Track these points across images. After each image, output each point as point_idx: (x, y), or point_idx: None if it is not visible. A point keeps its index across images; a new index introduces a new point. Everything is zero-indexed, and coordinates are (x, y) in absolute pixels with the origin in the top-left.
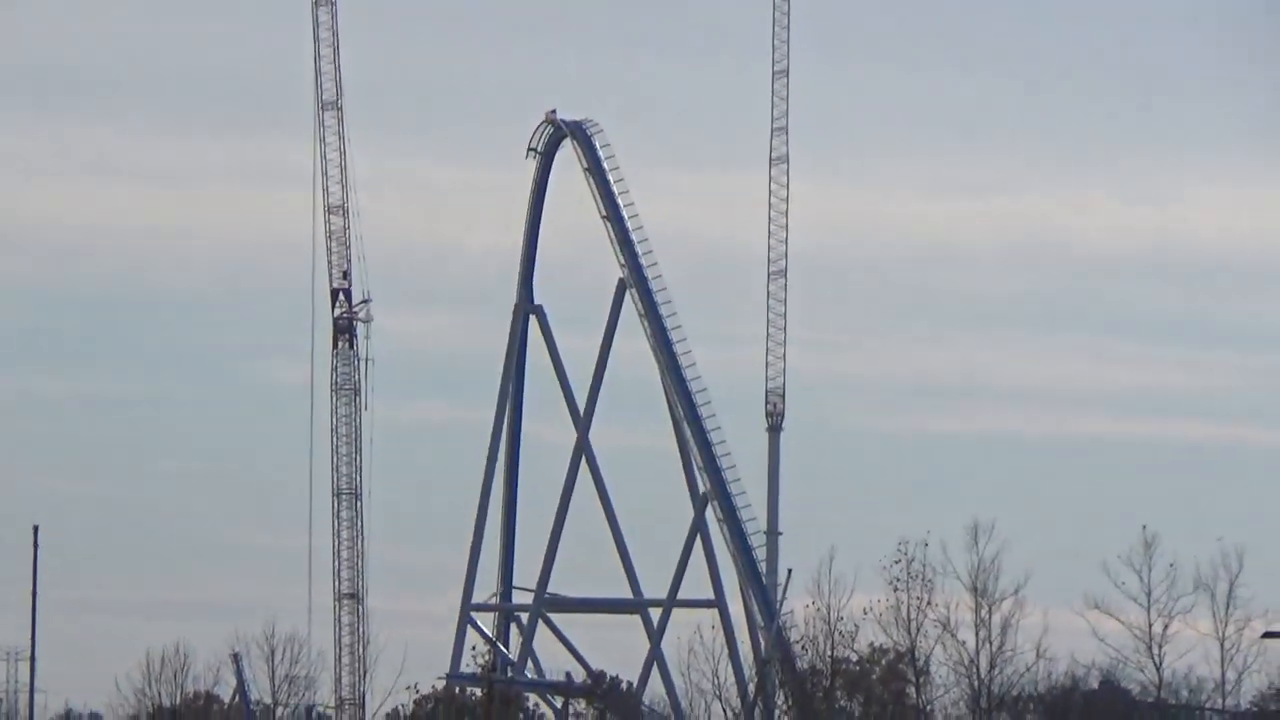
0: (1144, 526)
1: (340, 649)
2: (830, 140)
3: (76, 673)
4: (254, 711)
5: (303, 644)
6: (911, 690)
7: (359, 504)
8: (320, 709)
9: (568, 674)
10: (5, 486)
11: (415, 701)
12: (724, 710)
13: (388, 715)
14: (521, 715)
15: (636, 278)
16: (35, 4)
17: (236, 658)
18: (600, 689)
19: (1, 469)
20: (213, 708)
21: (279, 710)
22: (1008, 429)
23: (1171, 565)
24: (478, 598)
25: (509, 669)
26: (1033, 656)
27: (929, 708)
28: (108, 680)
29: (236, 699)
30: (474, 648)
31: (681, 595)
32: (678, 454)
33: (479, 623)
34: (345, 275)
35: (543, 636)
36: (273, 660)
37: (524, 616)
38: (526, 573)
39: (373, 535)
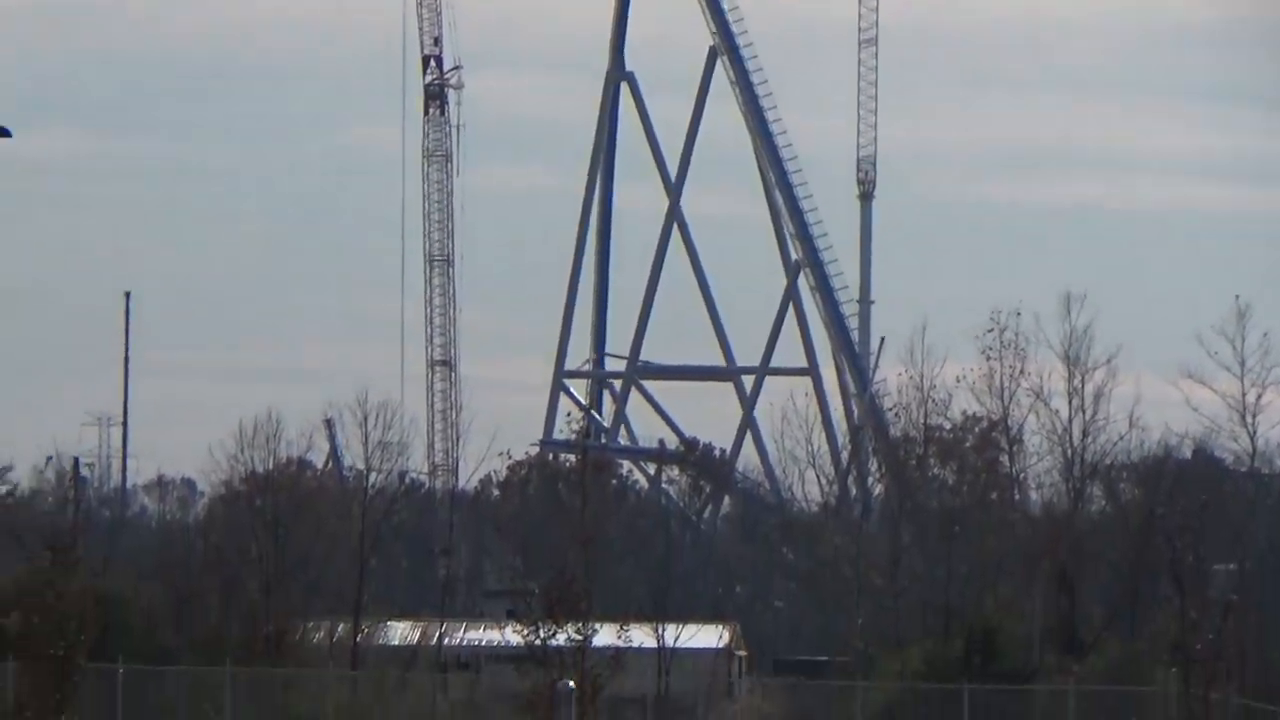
0: (1237, 297)
1: (433, 415)
2: None
3: (169, 439)
4: (347, 477)
5: (395, 411)
6: (1004, 459)
7: (451, 270)
8: (414, 475)
9: (661, 441)
10: (97, 252)
11: (509, 468)
12: (818, 477)
13: (481, 481)
14: (615, 481)
15: (727, 45)
16: None
17: (329, 424)
18: (693, 455)
19: (93, 234)
20: (305, 474)
21: (372, 476)
22: (1100, 198)
23: (1265, 335)
24: (571, 365)
25: (602, 435)
26: (1126, 426)
27: (1021, 476)
28: (200, 447)
29: (329, 465)
30: (568, 414)
31: (774, 363)
32: (769, 222)
33: (572, 390)
34: (436, 42)
35: (636, 403)
36: (365, 426)
37: (617, 384)
38: (619, 340)
39: (465, 301)
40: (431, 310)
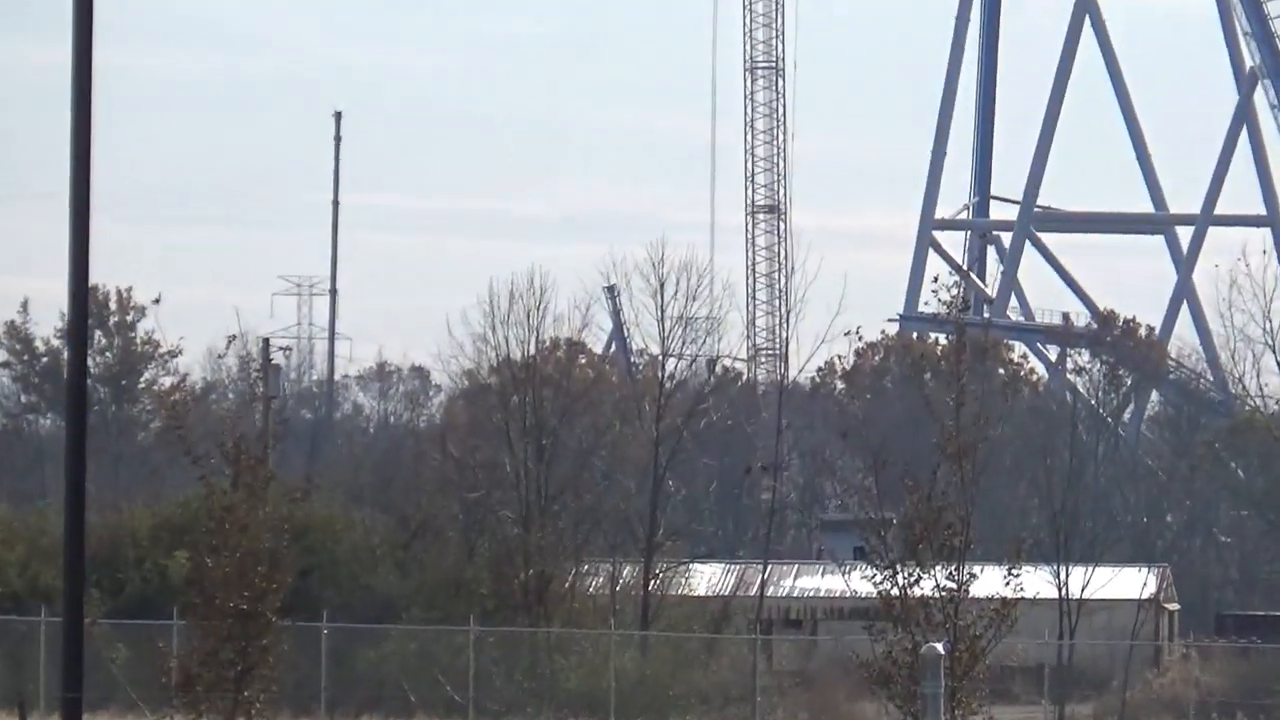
0: None
1: (754, 281)
2: None
3: (391, 314)
4: (635, 365)
5: (703, 274)
6: None
7: (779, 82)
8: (728, 362)
9: (1065, 315)
10: (315, 62)
11: (856, 352)
12: (1279, 364)
13: (819, 371)
14: (1002, 371)
15: None
16: None
17: (611, 292)
18: (1109, 335)
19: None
20: (577, 359)
21: (670, 364)
22: None
23: None
24: (943, 212)
25: (985, 308)
26: None
27: None
28: (434, 323)
29: (611, 349)
30: (935, 279)
31: (1219, 210)
32: (1216, 19)
33: (943, 246)
34: None
35: (1030, 264)
36: (661, 296)
37: (1005, 237)
38: (1009, 178)
39: (798, 128)
40: (752, 137)
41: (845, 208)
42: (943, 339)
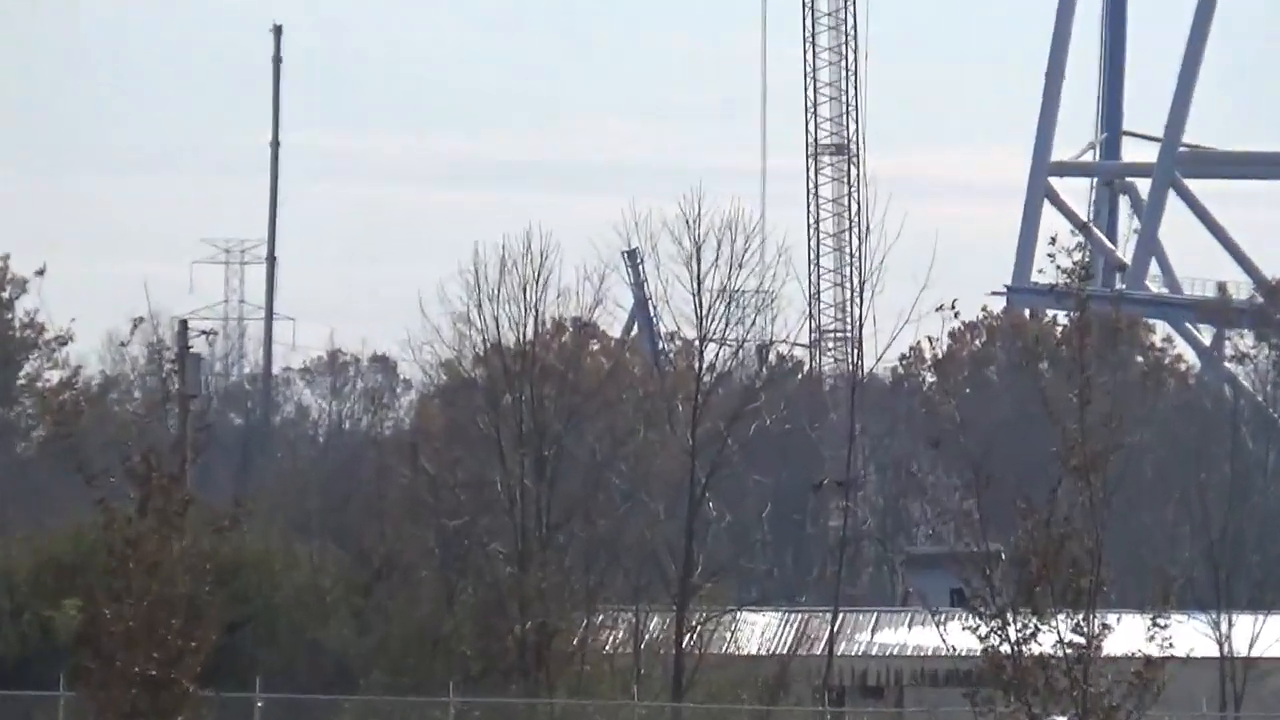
0: None
1: (818, 241)
2: None
3: (342, 288)
4: (664, 352)
5: (751, 234)
6: None
7: None
8: (784, 348)
9: (1220, 286)
10: None
11: (951, 335)
12: None
13: (902, 358)
14: (1141, 358)
15: None
16: None
17: (633, 258)
18: (1279, 311)
19: None
20: (588, 345)
21: (709, 351)
22: None
23: None
24: (1061, 155)
25: (1116, 277)
26: None
27: None
28: (401, 299)
29: (633, 331)
30: (1052, 240)
31: None
32: None
33: (1061, 197)
34: None
35: (1175, 219)
36: (697, 264)
37: (1142, 185)
38: (1144, 111)
39: (872, 44)
40: (814, 56)
41: (934, 149)
42: (1062, 317)
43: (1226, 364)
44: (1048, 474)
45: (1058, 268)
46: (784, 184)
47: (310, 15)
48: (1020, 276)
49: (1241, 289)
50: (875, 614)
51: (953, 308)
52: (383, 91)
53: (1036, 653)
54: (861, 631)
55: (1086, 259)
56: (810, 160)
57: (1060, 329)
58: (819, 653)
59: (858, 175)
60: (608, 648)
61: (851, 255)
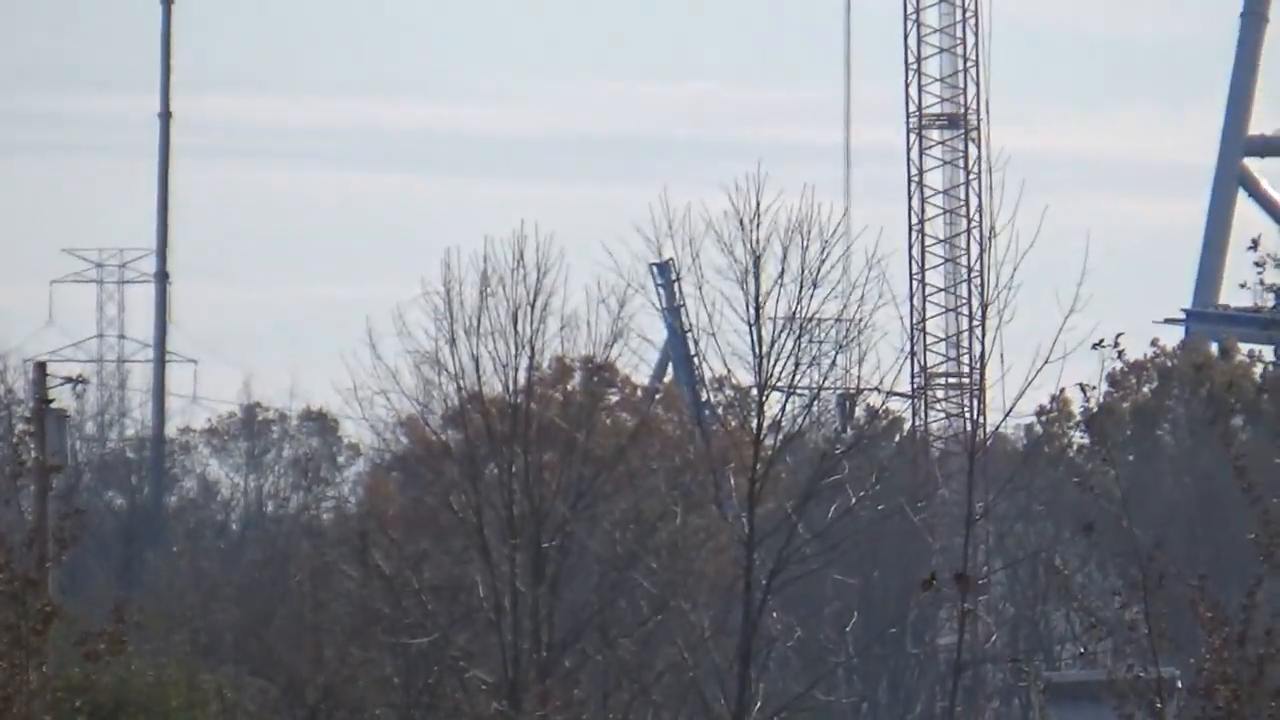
0: None
1: (922, 250)
2: None
3: (263, 309)
4: (708, 403)
5: (831, 240)
6: None
7: None
8: (876, 398)
9: None
10: None
11: (1110, 379)
12: None
13: (1040, 411)
14: None
15: None
16: None
17: (665, 271)
18: None
19: None
20: (604, 396)
21: (772, 402)
22: None
23: None
24: (1260, 127)
25: None
26: None
27: None
28: (342, 336)
29: (667, 375)
30: (1252, 245)
31: None
32: None
33: (1263, 185)
34: None
35: None
36: (755, 282)
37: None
38: None
39: None
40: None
41: (1081, 121)
42: (1267, 353)
43: None
44: (1242, 571)
45: (1261, 282)
46: (875, 168)
47: None
48: (1204, 296)
49: None
50: None
51: (1116, 344)
52: (312, 42)
53: None
54: None
55: None
56: (912, 136)
57: (1262, 370)
58: None
59: (978, 157)
60: None
61: (970, 269)
